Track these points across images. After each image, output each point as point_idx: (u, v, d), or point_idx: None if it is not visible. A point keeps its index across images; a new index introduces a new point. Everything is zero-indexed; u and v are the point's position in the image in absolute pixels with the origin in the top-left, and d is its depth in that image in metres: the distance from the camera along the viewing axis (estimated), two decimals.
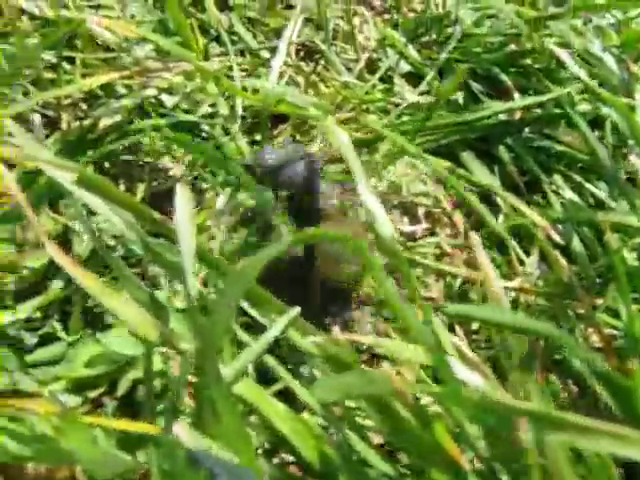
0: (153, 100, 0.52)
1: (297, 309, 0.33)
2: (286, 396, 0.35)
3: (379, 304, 0.48)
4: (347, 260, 0.46)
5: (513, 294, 0.48)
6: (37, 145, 0.35)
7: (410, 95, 0.57)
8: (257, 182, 0.44)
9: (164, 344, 0.33)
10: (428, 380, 0.38)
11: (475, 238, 0.39)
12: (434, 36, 0.62)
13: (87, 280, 0.32)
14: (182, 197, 0.33)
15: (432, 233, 0.55)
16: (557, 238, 0.47)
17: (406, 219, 0.56)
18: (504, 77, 0.57)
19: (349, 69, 0.59)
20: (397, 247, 0.37)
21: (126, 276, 0.36)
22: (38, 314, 0.45)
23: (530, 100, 0.52)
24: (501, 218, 0.53)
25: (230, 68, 0.57)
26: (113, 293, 0.33)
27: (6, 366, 0.42)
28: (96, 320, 0.45)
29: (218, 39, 0.62)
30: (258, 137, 0.56)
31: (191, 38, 0.51)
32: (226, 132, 0.54)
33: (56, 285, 0.46)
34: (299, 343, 0.35)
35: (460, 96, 0.58)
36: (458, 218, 0.55)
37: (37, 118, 0.46)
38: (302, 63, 0.59)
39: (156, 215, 0.34)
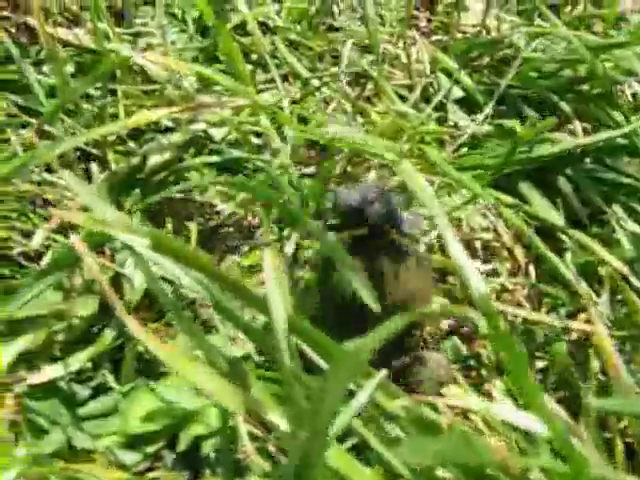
0: (201, 133, 0.50)
1: (385, 372, 0.31)
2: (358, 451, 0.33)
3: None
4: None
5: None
6: (103, 204, 0.32)
7: (465, 123, 0.55)
8: (327, 227, 0.41)
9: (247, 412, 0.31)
10: None
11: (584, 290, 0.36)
12: (486, 59, 0.60)
13: (163, 352, 0.29)
14: (271, 263, 0.30)
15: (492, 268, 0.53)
16: (635, 281, 0.45)
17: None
18: (564, 105, 0.55)
19: (400, 96, 0.57)
20: (493, 307, 0.35)
21: (197, 336, 0.33)
22: (89, 364, 0.42)
23: (604, 135, 0.50)
24: (568, 257, 0.50)
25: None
26: (187, 360, 0.31)
27: (59, 421, 0.39)
28: (149, 368, 0.43)
29: (260, 63, 0.59)
30: (309, 170, 0.54)
31: (243, 69, 0.49)
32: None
33: (107, 334, 0.43)
34: (386, 406, 0.32)
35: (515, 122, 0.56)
36: (519, 252, 0.53)
37: (95, 168, 0.43)
38: (348, 88, 0.56)
39: (234, 279, 0.32)
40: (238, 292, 0.31)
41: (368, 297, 0.33)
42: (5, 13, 0.56)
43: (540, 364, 0.48)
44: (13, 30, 0.57)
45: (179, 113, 0.47)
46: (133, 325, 0.29)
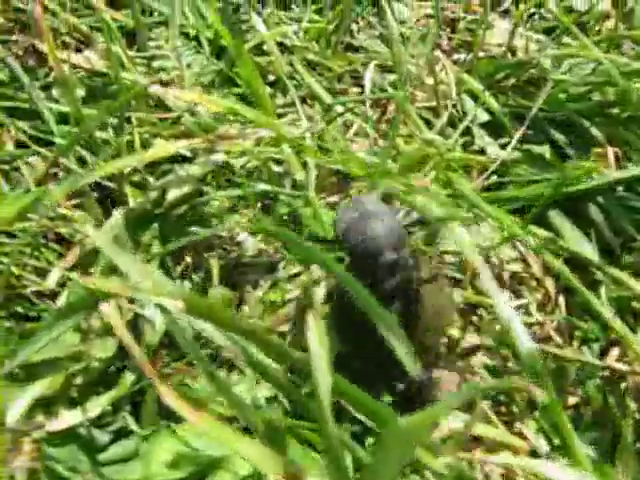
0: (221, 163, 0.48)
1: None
2: None
3: None
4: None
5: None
6: (126, 257, 0.30)
7: (493, 149, 0.53)
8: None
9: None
10: None
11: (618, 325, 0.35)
12: (512, 80, 0.58)
13: (202, 421, 0.27)
14: (315, 328, 0.28)
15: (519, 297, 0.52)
16: None
17: None
18: (594, 129, 0.53)
19: (424, 118, 0.55)
20: (539, 363, 0.33)
21: (219, 382, 0.32)
22: (108, 407, 0.41)
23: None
24: (601, 291, 0.49)
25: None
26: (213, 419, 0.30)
27: (78, 468, 0.38)
28: (171, 410, 0.41)
29: (277, 84, 0.57)
30: (332, 199, 0.52)
31: (263, 94, 0.46)
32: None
33: (127, 376, 0.42)
34: (429, 464, 0.31)
35: (545, 149, 0.54)
36: (549, 283, 0.51)
37: (120, 221, 0.41)
38: (370, 110, 0.54)
39: (274, 341, 0.30)
40: (279, 355, 0.29)
41: (408, 361, 0.31)
42: (14, 37, 0.54)
43: (572, 400, 0.46)
44: (20, 52, 0.55)
45: (199, 144, 0.45)
46: (154, 379, 0.28)
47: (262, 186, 0.45)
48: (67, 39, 0.58)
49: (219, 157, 0.46)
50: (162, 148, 0.43)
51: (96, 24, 0.59)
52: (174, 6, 0.54)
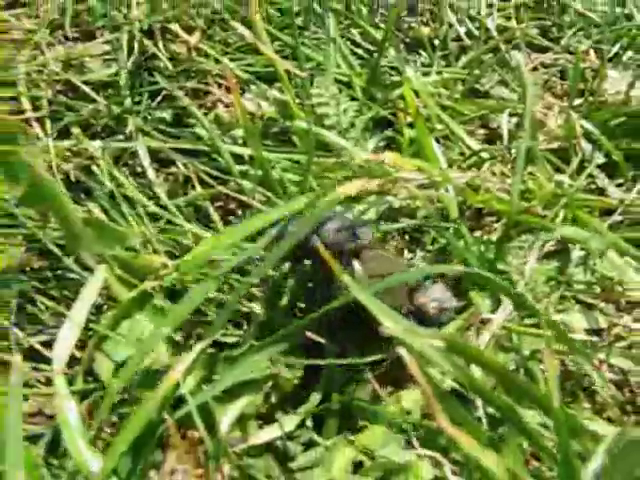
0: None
1: None
2: None
3: None
4: None
5: None
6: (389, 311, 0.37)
7: (612, 190, 0.60)
8: None
9: None
10: None
11: None
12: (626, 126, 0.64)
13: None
14: None
15: None
16: None
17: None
18: None
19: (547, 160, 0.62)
20: None
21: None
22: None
23: None
24: None
25: None
26: None
27: (272, 475, 0.44)
28: (350, 423, 0.47)
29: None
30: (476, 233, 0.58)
31: (431, 149, 0.53)
32: None
33: (314, 396, 0.47)
34: None
35: None
36: None
37: None
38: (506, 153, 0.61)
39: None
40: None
41: None
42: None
43: None
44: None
45: (377, 187, 0.51)
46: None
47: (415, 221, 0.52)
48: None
49: (391, 199, 0.53)
50: (348, 187, 0.50)
51: (247, 68, 0.66)
52: (329, 57, 0.62)
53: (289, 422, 0.45)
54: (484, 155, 0.59)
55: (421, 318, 0.46)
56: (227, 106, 0.63)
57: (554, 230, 0.53)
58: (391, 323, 0.38)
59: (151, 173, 0.59)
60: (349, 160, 0.53)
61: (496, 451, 0.36)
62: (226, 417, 0.44)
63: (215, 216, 0.56)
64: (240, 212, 0.58)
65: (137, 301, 0.49)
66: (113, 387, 0.42)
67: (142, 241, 0.53)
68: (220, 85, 0.64)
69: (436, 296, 0.47)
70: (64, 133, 0.63)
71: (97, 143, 0.61)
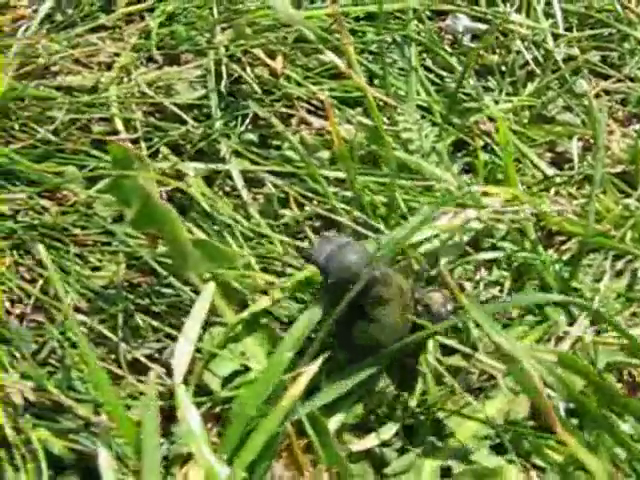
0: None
1: None
2: None
3: None
4: None
5: None
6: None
7: None
8: None
9: None
10: None
11: None
12: None
13: None
14: None
15: None
16: None
17: None
18: None
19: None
20: None
21: None
22: None
23: None
24: None
25: None
26: None
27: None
28: (439, 430, 0.51)
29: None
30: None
31: (513, 174, 0.58)
32: None
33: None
34: None
35: None
36: None
37: None
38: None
39: None
40: None
41: None
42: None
43: None
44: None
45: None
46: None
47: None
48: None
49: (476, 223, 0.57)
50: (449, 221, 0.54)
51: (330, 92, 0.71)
52: (412, 84, 0.66)
53: (387, 431, 0.50)
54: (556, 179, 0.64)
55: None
56: (313, 129, 0.67)
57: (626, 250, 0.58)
58: (502, 340, 0.43)
59: (245, 194, 0.63)
60: (439, 185, 0.58)
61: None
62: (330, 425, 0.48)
63: (311, 235, 0.60)
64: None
65: (247, 321, 0.52)
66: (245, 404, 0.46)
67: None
68: (309, 110, 0.68)
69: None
70: (153, 154, 0.67)
71: (191, 164, 0.65)
